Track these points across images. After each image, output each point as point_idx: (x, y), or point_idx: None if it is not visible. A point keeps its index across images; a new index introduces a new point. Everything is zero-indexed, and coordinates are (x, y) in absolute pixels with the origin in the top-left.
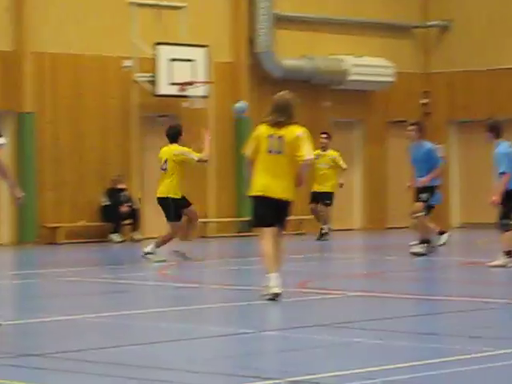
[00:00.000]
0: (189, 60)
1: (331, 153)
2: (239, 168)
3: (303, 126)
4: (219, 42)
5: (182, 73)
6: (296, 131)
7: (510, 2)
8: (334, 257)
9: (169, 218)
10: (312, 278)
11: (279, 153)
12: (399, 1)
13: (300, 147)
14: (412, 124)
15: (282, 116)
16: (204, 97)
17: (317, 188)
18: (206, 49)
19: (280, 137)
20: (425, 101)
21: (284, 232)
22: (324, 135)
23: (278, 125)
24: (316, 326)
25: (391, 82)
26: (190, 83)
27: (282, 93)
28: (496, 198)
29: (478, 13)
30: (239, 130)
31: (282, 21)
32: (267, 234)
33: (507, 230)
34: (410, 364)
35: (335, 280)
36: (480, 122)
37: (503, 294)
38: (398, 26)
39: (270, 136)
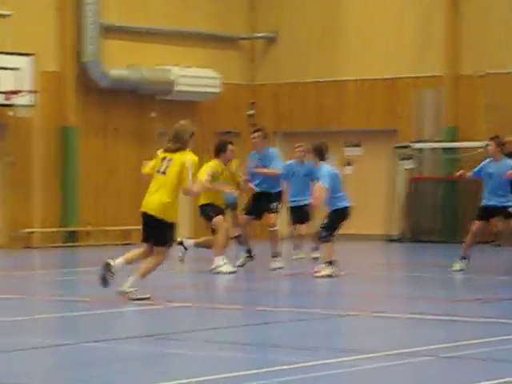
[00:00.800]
0: (14, 68)
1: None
2: (65, 177)
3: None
4: (45, 50)
5: (7, 81)
6: (185, 158)
7: (331, 14)
8: (160, 268)
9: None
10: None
11: (163, 173)
12: (226, 12)
13: (184, 178)
14: (256, 130)
15: (176, 143)
16: (30, 106)
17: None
18: (31, 57)
19: (170, 159)
20: (251, 112)
21: (162, 249)
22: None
23: (170, 150)
24: (136, 338)
25: (218, 93)
26: (15, 92)
27: (181, 122)
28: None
29: (302, 25)
30: (65, 138)
31: (109, 30)
32: (143, 247)
33: (327, 241)
34: (232, 375)
35: (158, 291)
36: (305, 133)
37: (326, 304)
38: (226, 37)
39: (163, 159)
